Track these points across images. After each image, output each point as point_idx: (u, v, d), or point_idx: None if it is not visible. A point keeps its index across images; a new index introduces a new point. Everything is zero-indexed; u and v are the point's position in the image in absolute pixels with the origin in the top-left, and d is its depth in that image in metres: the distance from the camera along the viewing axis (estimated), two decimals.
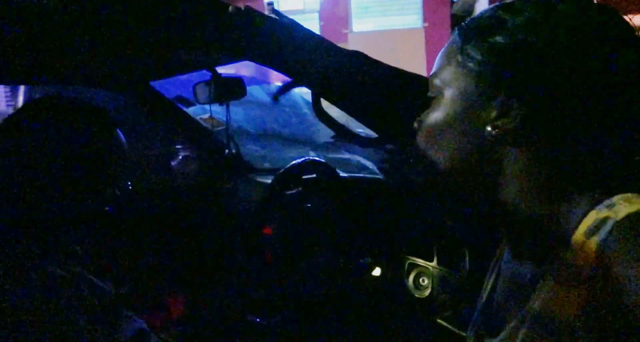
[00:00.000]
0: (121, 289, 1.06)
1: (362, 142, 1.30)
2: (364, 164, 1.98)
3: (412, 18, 8.47)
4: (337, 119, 1.31)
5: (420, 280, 1.18)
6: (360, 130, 1.44)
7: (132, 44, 1.03)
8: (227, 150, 1.72)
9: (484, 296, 0.62)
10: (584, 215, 0.45)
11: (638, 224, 0.41)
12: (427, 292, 1.15)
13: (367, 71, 0.94)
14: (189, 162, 1.83)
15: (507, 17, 0.48)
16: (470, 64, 0.49)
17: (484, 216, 0.55)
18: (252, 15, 0.82)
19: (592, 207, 0.45)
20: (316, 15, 8.69)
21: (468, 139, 0.50)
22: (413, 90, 0.94)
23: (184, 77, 1.64)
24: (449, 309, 1.08)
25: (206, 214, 1.74)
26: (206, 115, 1.97)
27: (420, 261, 1.17)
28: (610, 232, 0.41)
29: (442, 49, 0.55)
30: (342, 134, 1.29)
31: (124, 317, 0.85)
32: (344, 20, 8.57)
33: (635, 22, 0.48)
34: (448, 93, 0.51)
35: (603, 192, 0.46)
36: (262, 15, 0.84)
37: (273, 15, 0.88)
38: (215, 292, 1.54)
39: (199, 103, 1.61)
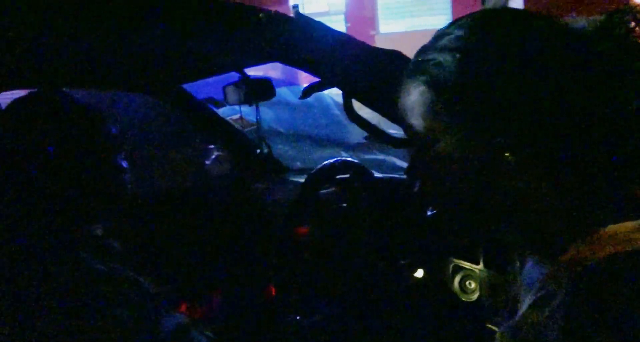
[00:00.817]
0: (160, 285, 1.08)
1: (395, 142, 1.26)
2: (399, 165, 1.95)
3: (440, 19, 8.35)
4: (368, 120, 1.29)
5: (467, 283, 1.14)
6: (393, 130, 1.39)
7: (165, 49, 1.05)
8: (258, 150, 1.72)
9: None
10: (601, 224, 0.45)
11: None
12: (475, 296, 1.11)
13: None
14: (222, 162, 1.85)
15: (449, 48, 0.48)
16: (453, 109, 0.48)
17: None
18: (281, 19, 0.83)
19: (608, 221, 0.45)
20: (342, 17, 8.69)
21: (483, 171, 0.49)
22: None
23: (214, 79, 1.65)
24: (499, 314, 1.03)
25: (240, 213, 1.76)
26: (236, 116, 1.97)
27: (465, 264, 1.13)
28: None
29: (406, 87, 0.52)
30: (375, 134, 1.26)
31: (164, 312, 0.86)
32: (371, 21, 8.54)
33: None
34: (441, 136, 0.50)
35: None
36: (291, 18, 0.85)
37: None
38: (252, 290, 1.54)
39: (229, 104, 1.61)
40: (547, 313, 0.44)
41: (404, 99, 0.53)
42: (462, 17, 0.51)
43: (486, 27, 0.48)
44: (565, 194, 0.48)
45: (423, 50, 0.52)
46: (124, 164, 0.93)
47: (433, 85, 0.49)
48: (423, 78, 0.50)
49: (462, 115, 0.47)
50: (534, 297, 0.50)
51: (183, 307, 1.46)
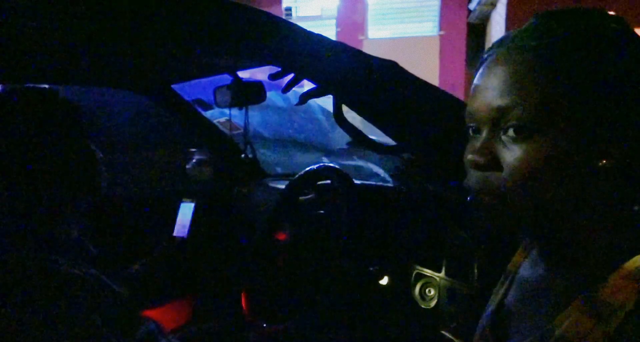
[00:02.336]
0: (133, 290, 1.08)
1: (381, 149, 1.29)
2: (376, 171, 2.00)
3: (428, 26, 8.48)
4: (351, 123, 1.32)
5: (427, 290, 1.17)
6: (374, 137, 1.44)
7: (157, 47, 1.05)
8: (243, 155, 1.74)
9: (495, 302, 0.62)
10: (627, 253, 0.45)
11: None
12: (433, 303, 1.14)
13: (398, 83, 0.93)
14: (203, 166, 1.84)
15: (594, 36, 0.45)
16: (581, 95, 0.45)
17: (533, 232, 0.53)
18: (275, 21, 0.83)
19: (635, 248, 0.45)
20: (333, 21, 8.73)
21: (576, 178, 0.46)
22: (444, 108, 0.94)
23: (204, 80, 1.66)
24: (454, 320, 1.08)
25: (220, 218, 1.76)
26: (224, 119, 1.99)
27: (427, 271, 1.16)
28: None
29: (513, 70, 0.47)
30: (361, 141, 1.29)
31: (137, 318, 0.87)
32: (361, 26, 8.60)
33: None
34: (551, 129, 0.45)
35: None
36: (286, 21, 0.84)
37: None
38: (224, 296, 1.55)
39: (219, 107, 1.62)
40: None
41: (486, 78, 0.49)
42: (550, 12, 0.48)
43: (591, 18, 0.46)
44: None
45: (515, 35, 0.49)
46: (99, 159, 0.92)
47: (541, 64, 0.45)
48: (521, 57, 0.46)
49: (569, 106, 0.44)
50: (552, 300, 0.49)
51: (154, 314, 1.47)
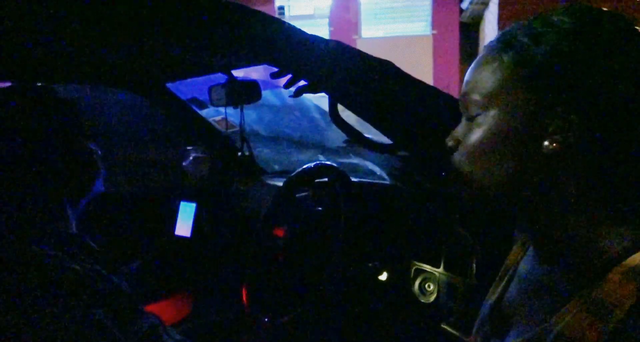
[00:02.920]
0: (134, 285, 1.08)
1: (376, 147, 1.30)
2: (372, 169, 2.00)
3: (421, 25, 8.52)
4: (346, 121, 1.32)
5: (426, 285, 1.19)
6: (369, 135, 1.45)
7: (151, 46, 1.05)
8: (240, 153, 1.75)
9: (494, 296, 0.62)
10: (625, 251, 0.45)
11: None
12: (433, 297, 1.16)
13: (394, 82, 0.94)
14: (200, 164, 1.85)
15: (551, 27, 0.47)
16: (523, 77, 0.47)
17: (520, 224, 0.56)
18: (269, 20, 0.82)
19: (634, 246, 0.45)
20: (326, 20, 8.74)
21: (520, 156, 0.48)
22: (439, 107, 0.95)
23: (199, 79, 1.66)
24: (454, 314, 1.10)
25: (218, 215, 1.76)
26: (219, 117, 1.99)
27: (427, 267, 1.18)
28: None
29: (478, 64, 0.52)
30: (357, 139, 1.29)
31: (139, 313, 0.86)
32: (354, 26, 8.62)
33: None
34: (494, 108, 0.49)
35: None
36: (280, 20, 0.84)
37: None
38: (225, 290, 1.56)
39: (214, 106, 1.63)
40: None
41: (483, 72, 0.52)
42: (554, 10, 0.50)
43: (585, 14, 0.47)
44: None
45: (509, 32, 0.51)
46: (97, 156, 0.93)
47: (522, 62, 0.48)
48: (515, 55, 0.49)
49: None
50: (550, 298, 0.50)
51: (155, 308, 1.47)
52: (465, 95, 0.53)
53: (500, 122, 0.49)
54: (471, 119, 0.52)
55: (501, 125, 0.49)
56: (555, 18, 0.48)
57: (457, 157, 0.54)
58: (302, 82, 1.05)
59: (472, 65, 0.54)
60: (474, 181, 0.52)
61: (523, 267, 0.59)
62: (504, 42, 0.50)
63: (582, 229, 0.48)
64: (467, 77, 0.54)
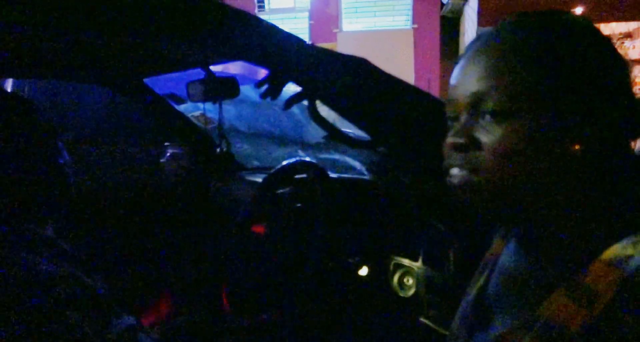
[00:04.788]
0: (110, 286, 1.07)
1: (356, 144, 1.31)
2: (352, 164, 2.01)
3: (401, 19, 8.54)
4: (325, 118, 1.33)
5: (405, 280, 1.20)
6: (349, 130, 1.46)
7: (127, 40, 1.04)
8: (218, 149, 1.73)
9: (474, 290, 0.63)
10: (608, 240, 0.46)
11: None
12: (412, 292, 1.17)
13: (369, 79, 0.95)
14: (177, 159, 1.83)
15: (566, 35, 0.49)
16: (550, 78, 0.48)
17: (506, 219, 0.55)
18: (247, 17, 0.84)
19: (616, 235, 0.46)
20: (306, 14, 8.69)
21: (551, 160, 0.48)
22: (415, 104, 0.96)
23: (177, 74, 1.65)
24: (433, 308, 1.11)
25: (195, 212, 1.75)
26: (197, 113, 1.98)
27: (405, 261, 1.19)
28: (634, 272, 0.43)
29: (491, 58, 0.51)
30: (335, 135, 1.30)
31: (115, 314, 0.86)
32: (334, 19, 8.59)
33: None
34: (525, 109, 0.49)
35: (628, 224, 0.47)
36: (255, 17, 0.85)
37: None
38: (204, 289, 1.55)
39: (192, 101, 1.61)
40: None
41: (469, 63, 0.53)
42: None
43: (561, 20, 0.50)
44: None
45: (501, 26, 0.53)
46: (65, 156, 0.91)
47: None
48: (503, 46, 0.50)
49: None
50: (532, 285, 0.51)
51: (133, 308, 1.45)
52: (484, 91, 0.50)
53: (535, 125, 0.48)
54: (487, 117, 0.50)
55: (536, 129, 0.48)
56: (563, 17, 0.50)
57: (478, 156, 0.51)
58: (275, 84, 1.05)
59: (476, 56, 0.52)
60: (496, 184, 0.50)
61: (504, 259, 0.60)
62: (529, 39, 0.50)
63: (576, 227, 0.49)
64: (474, 70, 0.52)
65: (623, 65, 0.50)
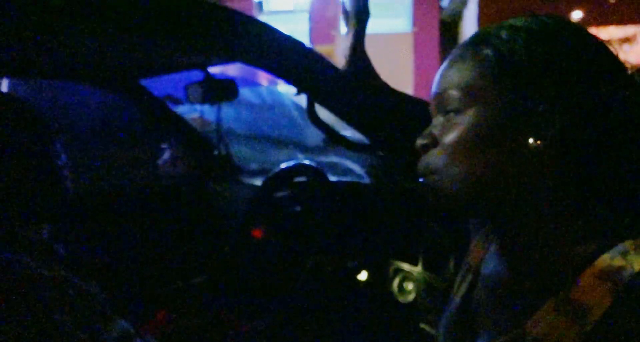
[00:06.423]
0: (105, 291, 1.06)
1: (355, 147, 1.30)
2: (351, 168, 2.01)
3: (401, 22, 8.55)
4: (324, 121, 1.32)
5: (405, 285, 1.19)
6: (347, 133, 1.45)
7: (125, 42, 1.03)
8: (216, 151, 1.73)
9: (458, 297, 0.61)
10: (595, 252, 0.45)
11: None
12: (411, 297, 1.16)
13: (365, 84, 0.95)
14: (174, 162, 1.82)
15: (534, 26, 0.48)
16: (506, 73, 0.47)
17: (493, 223, 0.54)
18: (246, 19, 0.84)
19: (603, 246, 0.45)
20: (306, 15, 8.70)
21: (503, 154, 0.48)
22: (410, 109, 0.96)
23: (174, 75, 1.64)
24: (433, 313, 1.10)
25: (193, 215, 1.74)
26: (195, 115, 1.97)
27: (405, 266, 1.18)
28: (627, 286, 0.42)
29: (454, 60, 0.52)
30: (334, 137, 1.29)
31: (110, 319, 0.84)
32: (333, 21, 8.60)
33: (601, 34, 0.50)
34: (476, 105, 0.48)
35: (616, 233, 0.45)
36: (255, 19, 0.86)
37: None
38: (202, 294, 1.54)
39: (191, 103, 1.61)
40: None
41: (458, 66, 0.52)
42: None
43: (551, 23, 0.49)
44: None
45: (486, 30, 0.52)
46: (63, 158, 0.90)
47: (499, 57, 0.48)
48: (488, 50, 0.49)
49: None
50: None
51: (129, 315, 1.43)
52: (442, 91, 0.52)
53: (483, 118, 0.48)
54: (448, 116, 0.51)
55: (484, 122, 0.48)
56: (536, 19, 0.49)
57: (433, 155, 0.51)
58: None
59: (447, 61, 0.54)
60: (451, 180, 0.50)
61: (487, 266, 0.58)
62: (483, 40, 0.50)
63: (553, 232, 0.48)
64: (441, 73, 0.54)
65: (600, 52, 0.47)
